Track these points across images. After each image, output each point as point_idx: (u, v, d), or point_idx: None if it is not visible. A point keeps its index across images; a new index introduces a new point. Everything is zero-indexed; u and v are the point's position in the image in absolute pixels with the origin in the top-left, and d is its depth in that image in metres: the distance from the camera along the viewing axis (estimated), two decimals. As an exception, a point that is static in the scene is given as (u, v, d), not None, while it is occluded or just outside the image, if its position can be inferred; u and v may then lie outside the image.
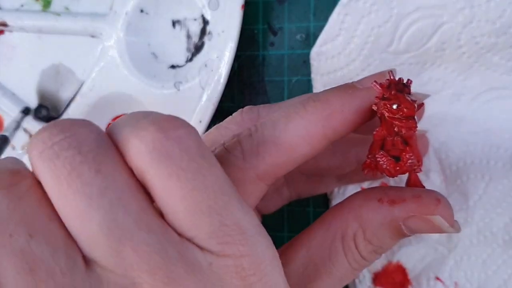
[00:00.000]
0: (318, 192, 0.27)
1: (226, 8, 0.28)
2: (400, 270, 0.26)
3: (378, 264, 0.27)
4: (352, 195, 0.19)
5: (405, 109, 0.16)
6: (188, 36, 0.30)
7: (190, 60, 0.30)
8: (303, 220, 0.29)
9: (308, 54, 0.27)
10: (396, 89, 0.17)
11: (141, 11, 0.30)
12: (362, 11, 0.25)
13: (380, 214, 0.18)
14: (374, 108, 0.17)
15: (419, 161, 0.18)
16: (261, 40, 0.30)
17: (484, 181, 0.25)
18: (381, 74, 0.19)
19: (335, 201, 0.27)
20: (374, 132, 0.17)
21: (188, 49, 0.30)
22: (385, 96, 0.17)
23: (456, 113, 0.25)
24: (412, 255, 0.26)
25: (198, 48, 0.30)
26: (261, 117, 0.20)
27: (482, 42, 0.24)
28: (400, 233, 0.18)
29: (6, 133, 0.32)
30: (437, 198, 0.18)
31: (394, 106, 0.16)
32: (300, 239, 0.19)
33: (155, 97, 0.30)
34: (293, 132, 0.17)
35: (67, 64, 0.32)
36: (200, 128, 0.28)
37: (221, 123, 0.21)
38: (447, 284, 0.26)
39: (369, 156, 0.18)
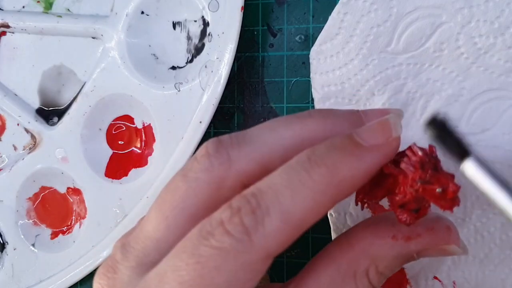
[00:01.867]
0: None
1: (226, 10, 0.28)
2: (399, 270, 0.26)
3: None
4: (359, 229, 0.18)
5: (451, 191, 0.15)
6: (189, 38, 0.30)
7: (190, 61, 0.30)
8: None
9: (307, 56, 0.27)
10: (431, 166, 0.16)
11: (142, 12, 0.30)
12: (362, 10, 0.25)
13: (395, 250, 0.17)
14: (388, 171, 0.16)
15: None
16: (260, 42, 0.30)
17: (482, 181, 0.25)
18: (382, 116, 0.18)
19: (336, 226, 0.27)
20: (397, 198, 0.16)
21: (188, 50, 0.30)
22: (422, 178, 0.15)
23: (454, 114, 0.25)
24: (410, 254, 0.26)
25: (198, 50, 0.30)
26: (233, 161, 0.17)
27: (480, 42, 0.24)
28: (411, 259, 0.18)
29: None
30: (447, 226, 0.17)
31: (439, 190, 0.15)
32: (307, 280, 0.18)
33: (156, 98, 0.30)
34: (302, 205, 0.15)
35: (68, 65, 0.32)
36: (200, 129, 0.29)
37: (187, 169, 0.18)
38: (445, 284, 0.26)
39: (369, 199, 0.17)
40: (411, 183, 0.16)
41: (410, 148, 0.16)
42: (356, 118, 0.18)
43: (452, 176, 0.16)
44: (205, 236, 0.15)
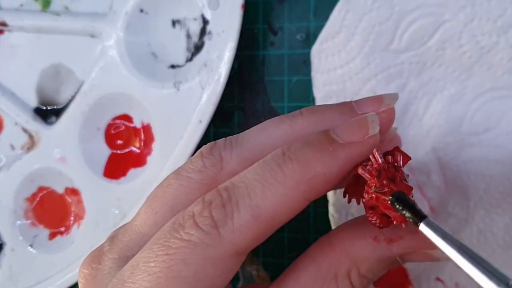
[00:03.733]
0: None
1: (226, 8, 0.28)
2: (401, 271, 0.26)
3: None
4: (341, 229, 0.18)
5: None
6: (188, 36, 0.30)
7: (190, 60, 0.30)
8: (304, 220, 0.29)
9: (308, 54, 0.27)
10: (388, 176, 0.15)
11: (141, 10, 0.30)
12: (363, 8, 0.25)
13: (377, 252, 0.17)
14: (360, 172, 0.16)
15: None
16: (261, 40, 0.30)
17: (484, 181, 0.25)
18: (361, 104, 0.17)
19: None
20: (363, 200, 0.16)
21: (188, 49, 0.30)
22: (376, 187, 0.15)
23: (456, 113, 0.25)
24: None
25: (198, 48, 0.30)
26: (225, 162, 0.17)
27: (483, 41, 0.24)
28: (395, 263, 0.18)
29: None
30: None
31: (390, 203, 0.15)
32: (287, 280, 0.18)
33: (155, 97, 0.30)
34: (273, 200, 0.15)
35: (66, 64, 0.32)
36: (199, 128, 0.28)
37: (181, 169, 0.18)
38: (448, 285, 0.25)
39: (353, 195, 0.17)
40: (366, 190, 0.16)
41: (372, 153, 0.16)
42: (348, 109, 0.18)
43: (409, 189, 0.15)
44: (176, 229, 0.15)
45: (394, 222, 0.15)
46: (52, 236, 0.33)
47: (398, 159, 0.16)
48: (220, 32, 0.28)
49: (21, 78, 0.33)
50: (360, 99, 0.18)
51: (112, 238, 0.19)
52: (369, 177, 0.16)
